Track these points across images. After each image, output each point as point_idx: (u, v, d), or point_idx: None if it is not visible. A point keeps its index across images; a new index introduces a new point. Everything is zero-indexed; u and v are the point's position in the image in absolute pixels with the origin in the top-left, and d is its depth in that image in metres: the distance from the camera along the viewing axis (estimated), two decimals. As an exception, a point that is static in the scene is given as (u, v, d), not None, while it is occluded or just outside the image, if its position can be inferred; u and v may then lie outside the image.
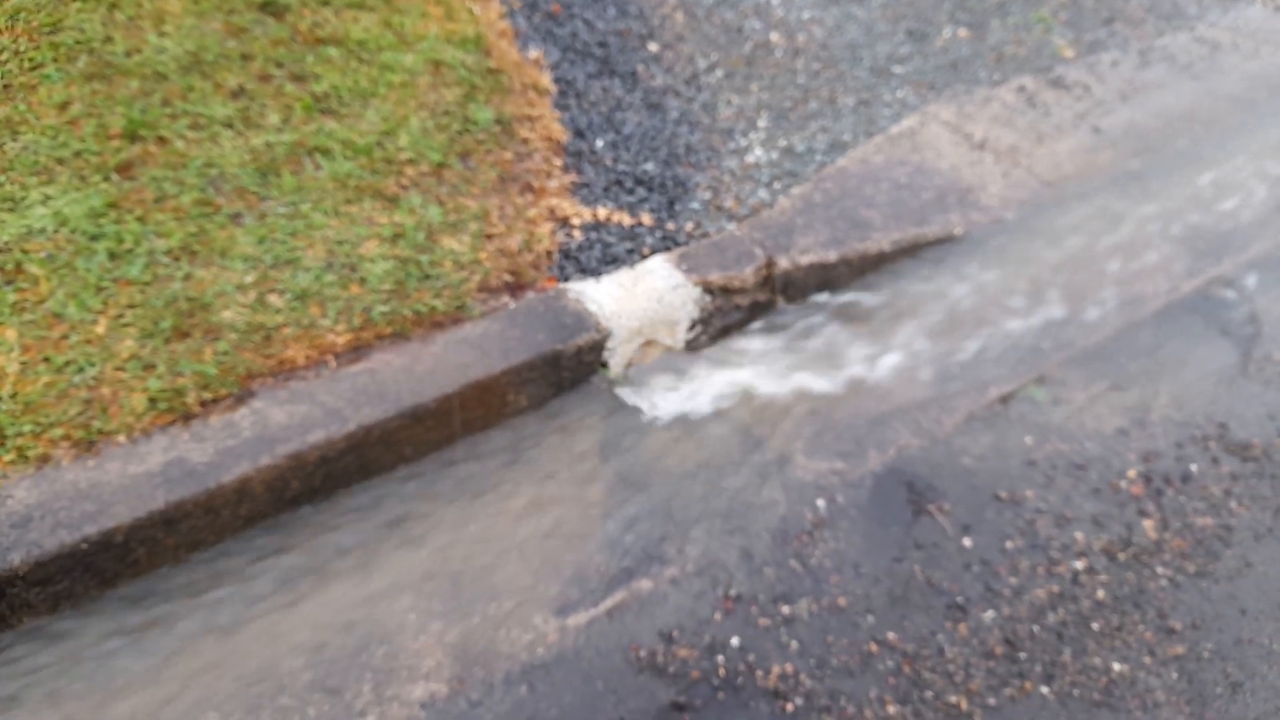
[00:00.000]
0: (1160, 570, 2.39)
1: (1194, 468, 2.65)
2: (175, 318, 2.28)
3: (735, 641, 2.14)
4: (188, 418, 2.16)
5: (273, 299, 2.38)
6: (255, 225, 2.50)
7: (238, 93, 2.78)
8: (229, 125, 2.70)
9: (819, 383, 2.76)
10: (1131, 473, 2.61)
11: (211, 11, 2.97)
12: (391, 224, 2.60)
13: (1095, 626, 2.26)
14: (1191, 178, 3.68)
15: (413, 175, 2.74)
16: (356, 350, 2.37)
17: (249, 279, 2.39)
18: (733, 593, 2.23)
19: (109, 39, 2.80)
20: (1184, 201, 3.57)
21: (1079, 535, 2.44)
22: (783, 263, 2.87)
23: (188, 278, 2.36)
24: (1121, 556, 2.41)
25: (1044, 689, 2.13)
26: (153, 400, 2.15)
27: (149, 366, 2.20)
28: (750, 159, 3.28)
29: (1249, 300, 3.22)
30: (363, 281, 2.46)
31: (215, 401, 2.20)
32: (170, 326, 2.27)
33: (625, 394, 2.63)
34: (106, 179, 2.50)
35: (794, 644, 2.15)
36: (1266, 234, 3.50)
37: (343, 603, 2.10)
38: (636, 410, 2.60)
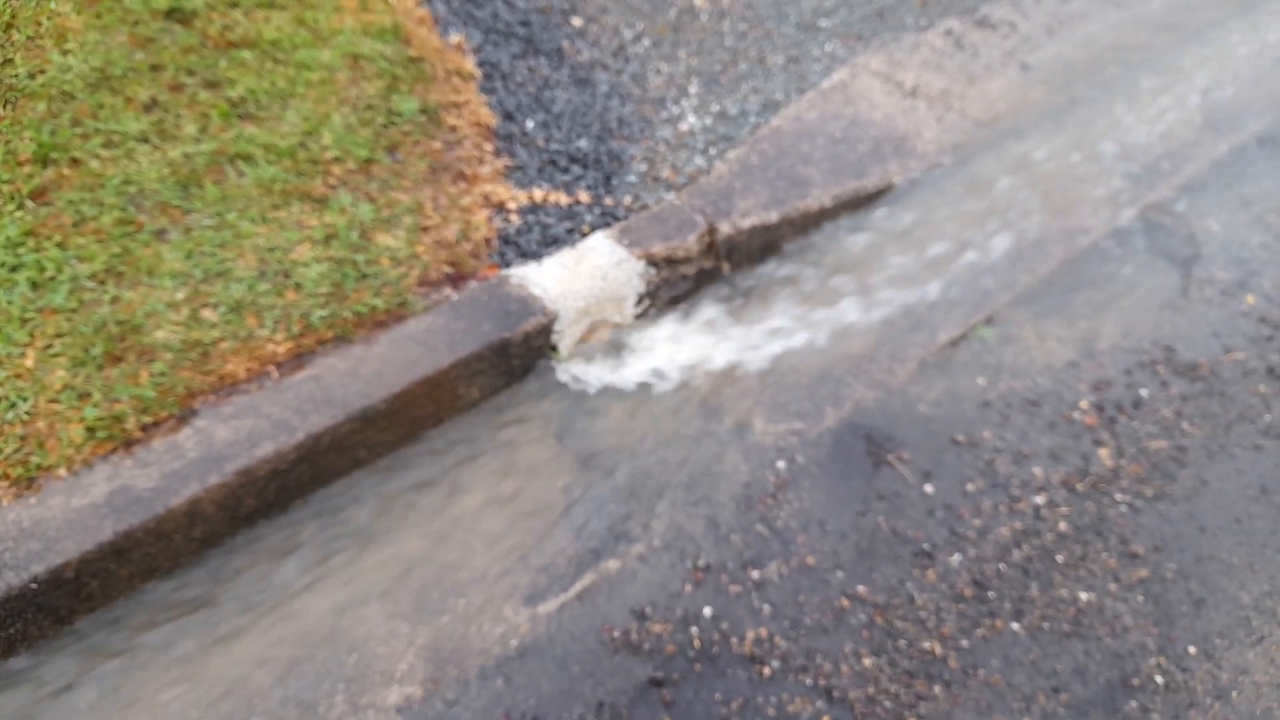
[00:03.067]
0: (1119, 497, 2.43)
1: (1144, 393, 2.69)
2: (106, 343, 2.22)
3: (708, 611, 2.14)
4: (129, 444, 2.11)
5: (206, 314, 2.32)
6: (181, 240, 2.44)
7: (150, 105, 2.70)
8: (144, 140, 2.62)
9: (771, 345, 2.75)
10: (1084, 404, 2.64)
11: (115, 24, 2.87)
12: (322, 225, 2.54)
13: (1060, 559, 2.29)
14: (1122, 106, 3.71)
15: (340, 174, 2.68)
16: (299, 358, 2.32)
17: (180, 296, 2.33)
18: (701, 563, 2.23)
19: (9, 61, 2.69)
20: (1116, 130, 3.60)
21: (1037, 470, 2.47)
22: (725, 228, 2.86)
23: (115, 300, 2.30)
24: (1080, 487, 2.44)
25: (1014, 625, 2.16)
26: (91, 430, 2.09)
27: (84, 395, 2.14)
28: (684, 126, 3.25)
29: (1186, 223, 3.26)
30: (298, 287, 2.41)
31: (156, 424, 2.15)
32: (102, 352, 2.20)
33: (578, 375, 2.60)
34: (20, 207, 2.41)
35: (766, 608, 2.16)
36: (1198, 155, 3.54)
37: (308, 616, 2.07)
38: (590, 390, 2.58)
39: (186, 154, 2.59)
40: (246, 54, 2.89)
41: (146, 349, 2.24)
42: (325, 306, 2.39)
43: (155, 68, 2.78)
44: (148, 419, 2.14)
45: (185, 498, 2.04)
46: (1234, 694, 2.08)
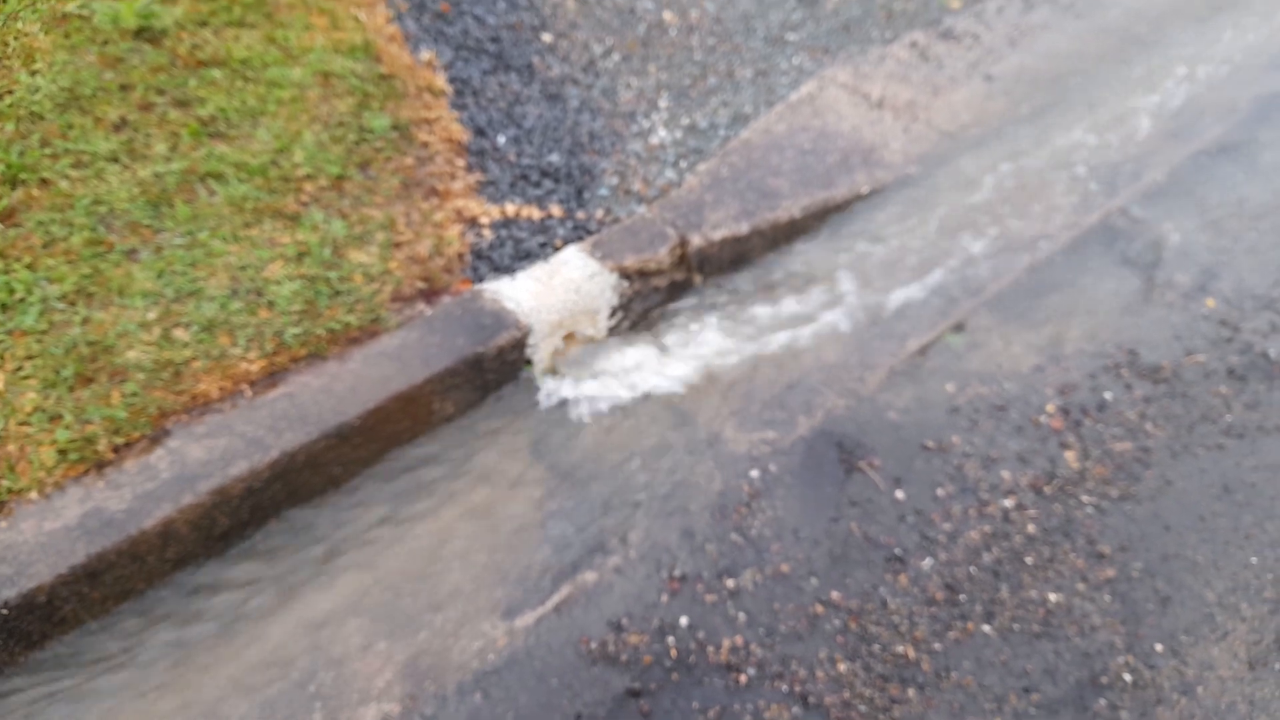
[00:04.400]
0: (1085, 498, 2.47)
1: (1109, 395, 2.74)
2: (77, 364, 2.21)
3: (684, 621, 2.16)
4: (101, 466, 2.10)
5: (178, 333, 2.32)
6: (152, 259, 2.43)
7: (120, 125, 2.69)
8: (114, 160, 2.61)
9: (743, 355, 2.78)
10: (1050, 407, 2.69)
11: (84, 44, 2.86)
12: (295, 243, 2.55)
13: (1029, 560, 2.33)
14: (1083, 115, 3.79)
15: (312, 191, 2.69)
16: (272, 376, 2.32)
17: (151, 315, 2.33)
18: (677, 573, 2.25)
19: (-25, 82, 2.68)
20: (1078, 138, 3.67)
21: (1006, 474, 2.51)
22: (696, 240, 2.89)
23: (86, 321, 2.29)
24: (1048, 489, 2.48)
25: (986, 627, 2.20)
26: (62, 452, 2.08)
27: (55, 417, 2.13)
28: (655, 140, 3.29)
29: (1147, 229, 3.33)
30: (271, 305, 2.41)
31: (129, 445, 2.14)
32: (73, 374, 2.19)
33: (552, 388, 2.62)
34: (-12, 229, 2.40)
35: (742, 616, 2.18)
36: (1157, 162, 3.62)
37: (285, 634, 2.06)
38: (565, 403, 2.60)
39: (157, 173, 2.59)
40: (217, 73, 2.89)
41: (118, 369, 2.23)
42: (298, 324, 2.39)
43: (125, 87, 2.78)
44: (120, 440, 2.13)
45: (158, 519, 2.04)
46: (1200, 689, 2.13)
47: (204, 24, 3.02)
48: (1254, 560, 2.38)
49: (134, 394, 2.20)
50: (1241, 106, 4.01)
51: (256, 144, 2.73)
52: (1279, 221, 3.46)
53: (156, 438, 2.17)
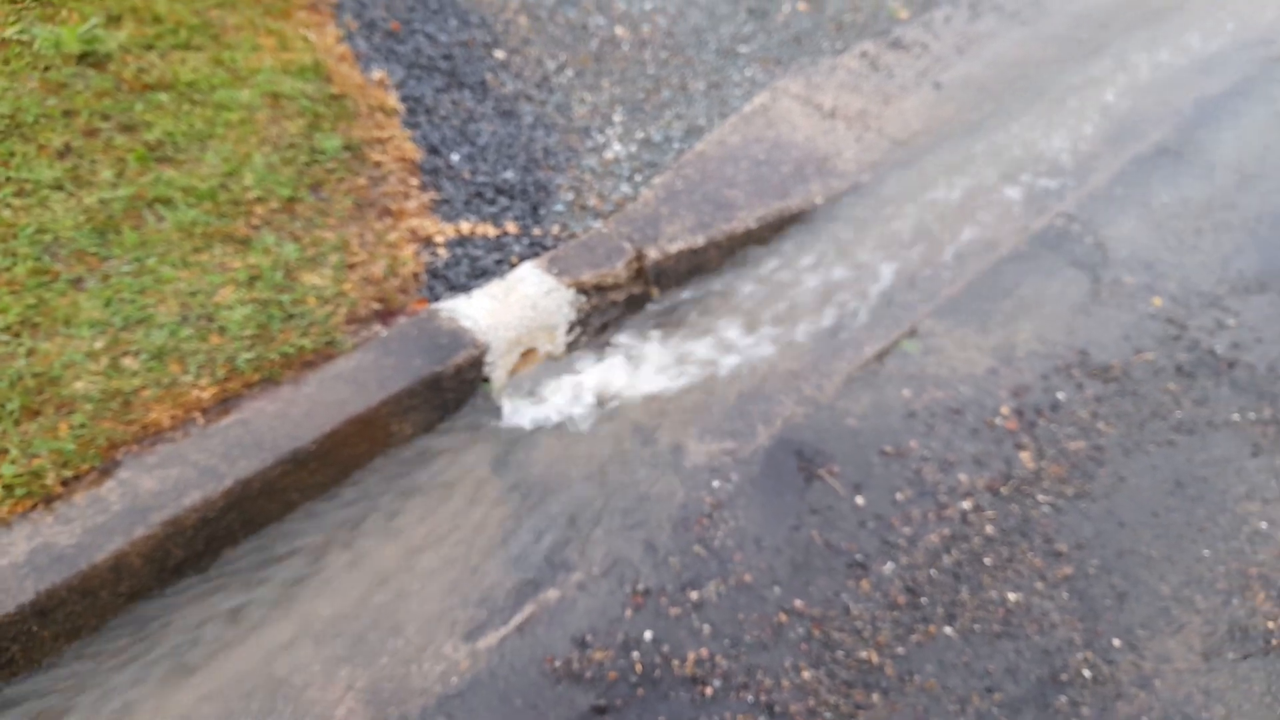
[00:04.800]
0: (1041, 498, 2.51)
1: (1061, 395, 2.79)
2: (23, 396, 2.17)
3: (648, 635, 2.16)
4: (50, 500, 2.06)
5: (127, 362, 2.28)
6: (99, 288, 2.39)
7: (64, 152, 2.65)
8: (58, 187, 2.57)
9: (703, 367, 2.80)
10: (1005, 409, 2.73)
11: (25, 70, 2.82)
12: (246, 267, 2.52)
13: (988, 561, 2.36)
14: (1029, 120, 3.86)
15: (263, 214, 2.66)
16: (225, 402, 2.29)
17: (99, 345, 2.29)
18: (641, 587, 2.25)
19: (-88, 112, 2.63)
20: (1025, 143, 3.74)
21: (963, 477, 2.54)
22: (652, 253, 2.90)
23: (31, 353, 2.24)
24: (1004, 490, 2.52)
25: (947, 629, 2.22)
26: (8, 487, 2.04)
27: (0, 452, 2.08)
28: (609, 154, 3.30)
29: (1094, 231, 3.40)
30: (222, 330, 2.38)
31: (78, 478, 2.10)
32: (19, 406, 2.15)
33: (512, 406, 2.61)
34: (-72, 261, 2.35)
35: (706, 628, 2.18)
36: (1102, 165, 3.70)
37: (243, 666, 2.03)
38: (524, 421, 2.59)
39: (103, 200, 2.56)
40: (163, 96, 2.86)
41: (65, 401, 2.19)
42: (251, 349, 2.37)
43: (68, 113, 2.74)
44: (68, 473, 2.09)
45: (110, 552, 2.00)
46: (1157, 682, 2.16)
47: (150, 47, 2.99)
48: (1207, 553, 2.43)
49: (82, 425, 2.16)
50: (1182, 109, 4.11)
51: (205, 168, 2.71)
52: (1221, 220, 3.55)
53: (107, 469, 2.13)
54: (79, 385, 2.21)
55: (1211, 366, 2.94)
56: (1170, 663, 2.20)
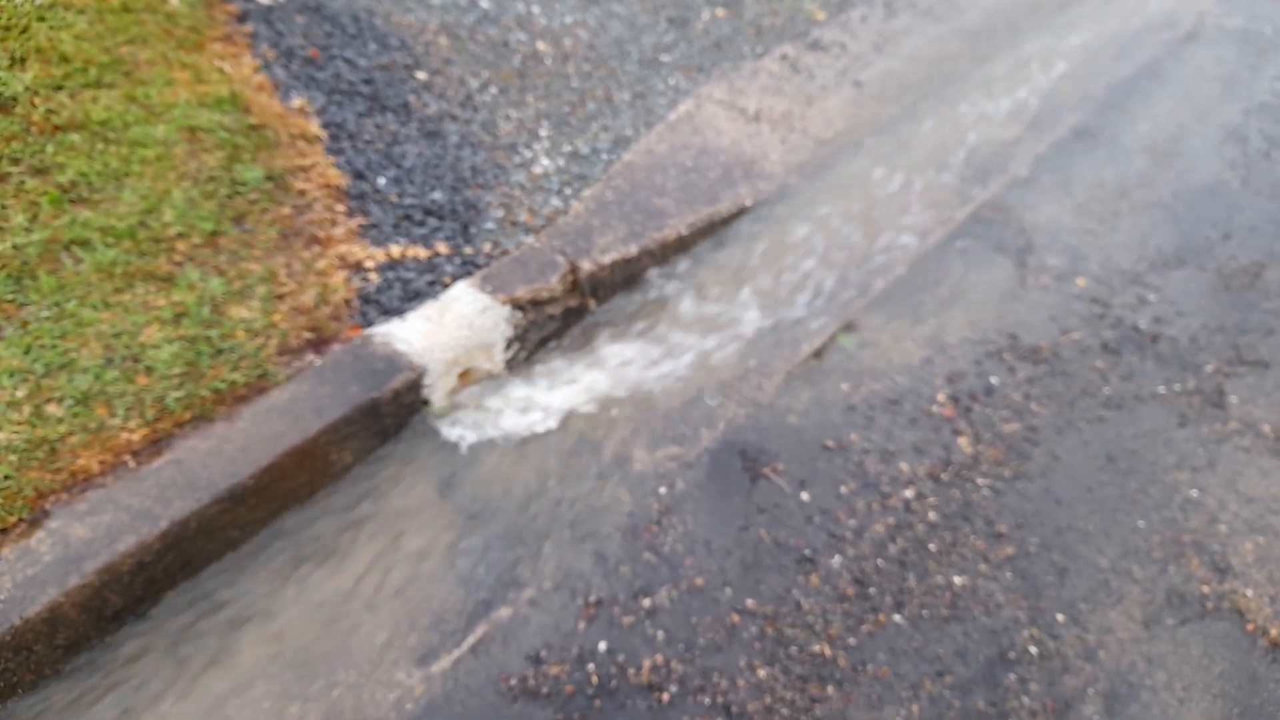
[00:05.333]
0: (981, 481, 2.56)
1: (994, 380, 2.85)
2: (-58, 452, 2.10)
3: (603, 646, 2.16)
4: (-23, 556, 1.99)
5: (51, 409, 2.22)
6: (18, 335, 2.33)
7: (-27, 198, 2.58)
8: (-31, 234, 2.50)
9: (644, 374, 2.81)
10: (941, 396, 2.78)
11: (-73, 116, 2.74)
12: (171, 304, 2.48)
13: (932, 547, 2.40)
14: (949, 113, 3.95)
15: (185, 249, 2.62)
16: (156, 443, 2.25)
17: (20, 393, 2.23)
18: (592, 599, 2.25)
19: None
20: (946, 136, 3.82)
21: (904, 466, 2.58)
22: (586, 265, 2.91)
23: (-51, 406, 2.18)
24: (944, 476, 2.56)
25: (897, 617, 2.25)
26: (-68, 546, 1.97)
27: (-79, 511, 2.02)
28: (538, 169, 3.30)
29: (1017, 217, 3.49)
30: (149, 370, 2.34)
31: (5, 531, 2.04)
32: (-62, 463, 2.08)
33: (453, 426, 2.60)
34: None
35: (660, 634, 2.19)
36: (1022, 152, 3.79)
37: (193, 710, 1.99)
38: (467, 440, 2.57)
39: (16, 245, 2.49)
40: (75, 136, 2.79)
41: (-12, 453, 2.13)
42: (180, 387, 2.32)
43: (-24, 159, 2.67)
44: (-5, 527, 2.03)
45: (44, 604, 1.94)
46: (1101, 653, 2.22)
47: (58, 88, 2.92)
48: (1141, 524, 2.50)
49: (7, 477, 2.10)
50: (1096, 94, 4.24)
51: (123, 206, 2.65)
52: (1139, 200, 3.66)
53: (36, 520, 2.08)
54: (1, 436, 2.15)
55: (1136, 342, 3.03)
56: (1113, 633, 2.26)
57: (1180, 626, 2.28)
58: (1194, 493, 2.59)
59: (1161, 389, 2.88)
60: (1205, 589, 2.36)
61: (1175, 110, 4.23)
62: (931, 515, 2.47)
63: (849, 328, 2.99)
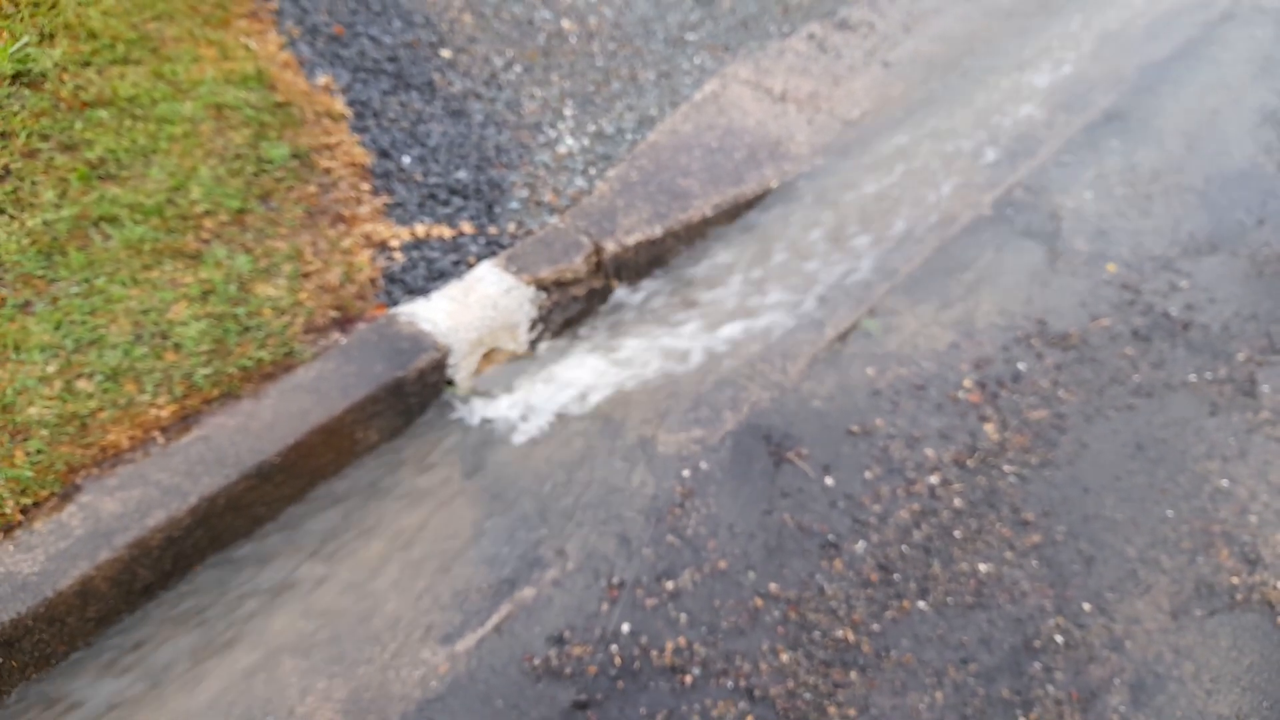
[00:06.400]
0: (1007, 468, 2.54)
1: (1022, 366, 2.82)
2: (-25, 426, 2.12)
3: (626, 628, 2.16)
4: (9, 529, 2.02)
5: (82, 384, 2.24)
6: (48, 311, 2.35)
7: (3, 175, 2.59)
8: (0, 211, 2.51)
9: (668, 357, 2.80)
10: (967, 382, 2.76)
11: (-43, 92, 2.75)
12: (198, 281, 2.49)
13: (958, 534, 2.38)
14: (978, 94, 3.89)
15: (212, 227, 2.62)
16: (184, 420, 2.26)
17: (51, 369, 2.24)
18: (616, 580, 2.25)
19: None
20: (974, 118, 3.77)
21: (929, 452, 2.57)
22: (610, 246, 2.89)
23: (-19, 381, 2.20)
24: (970, 463, 2.55)
25: (921, 604, 2.24)
26: (-35, 519, 2.00)
27: (-46, 484, 2.04)
28: (562, 149, 3.28)
29: (1047, 201, 3.44)
30: (177, 347, 2.35)
31: (38, 505, 2.06)
32: (-29, 437, 2.11)
33: (477, 407, 2.60)
34: None
35: (683, 617, 2.19)
36: (1052, 135, 3.74)
37: (219, 684, 2.01)
38: (491, 420, 2.58)
39: (47, 221, 2.50)
40: (103, 113, 2.80)
41: (20, 428, 2.15)
42: (208, 364, 2.33)
43: (5, 135, 2.68)
44: (27, 500, 2.05)
45: (75, 578, 1.96)
46: (1128, 643, 2.20)
47: (86, 64, 2.93)
48: (1170, 514, 2.48)
49: (39, 451, 2.12)
50: (1127, 76, 4.16)
51: (150, 183, 2.66)
52: (1170, 184, 3.61)
53: (67, 494, 2.10)
54: (33, 411, 2.17)
55: (1167, 329, 2.98)
56: (1140, 623, 2.24)
57: (1209, 618, 2.26)
58: (1224, 482, 2.55)
59: (1192, 377, 2.84)
60: (1235, 580, 2.33)
61: (1209, 93, 4.15)
62: (957, 502, 2.45)
63: (874, 312, 2.96)
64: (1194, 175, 3.66)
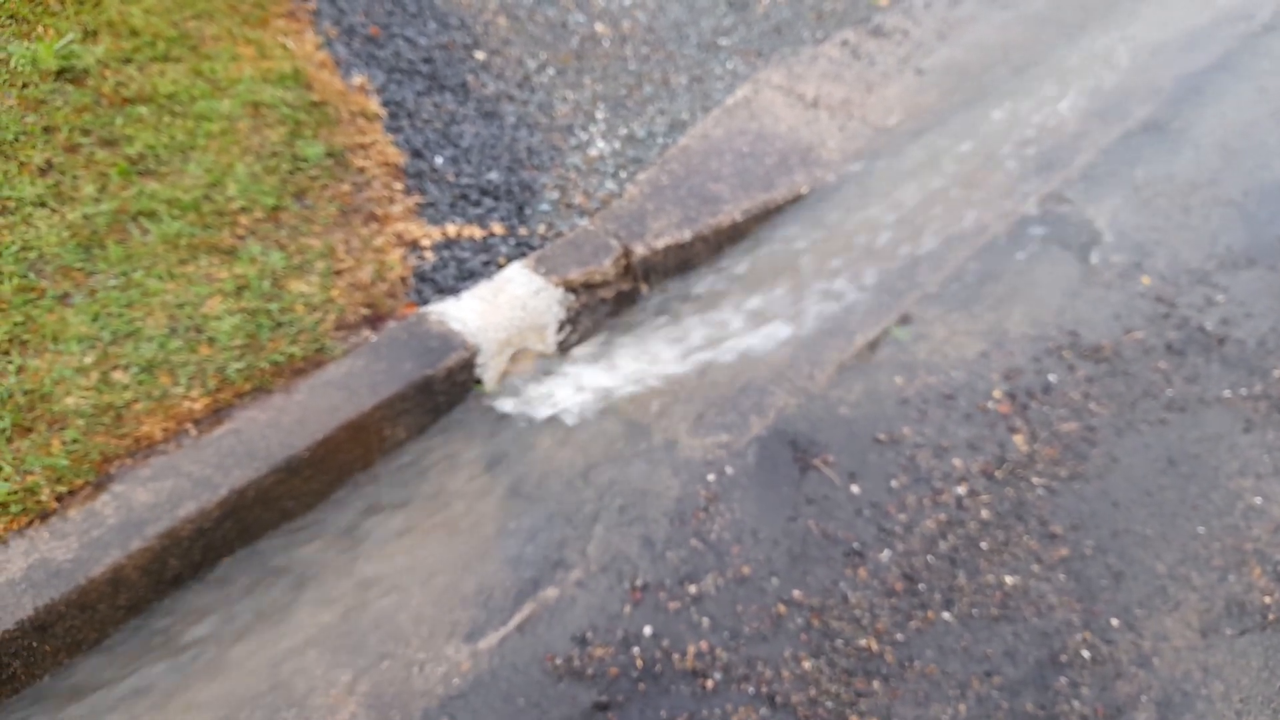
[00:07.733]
0: (1036, 480, 2.52)
1: (1053, 377, 2.79)
2: (14, 414, 2.16)
3: (648, 630, 2.16)
4: (45, 516, 2.06)
5: (117, 376, 2.27)
6: (86, 303, 2.39)
7: (45, 168, 2.64)
8: (41, 204, 2.56)
9: (694, 360, 2.80)
10: (997, 392, 2.74)
11: (3, 88, 2.81)
12: (233, 277, 2.52)
13: (984, 545, 2.36)
14: (1013, 103, 3.86)
15: (248, 223, 2.66)
16: (217, 413, 2.29)
17: (88, 360, 2.28)
18: (639, 583, 2.25)
19: (-108, 133, 2.62)
20: (1009, 126, 3.74)
21: (957, 461, 2.55)
22: (640, 249, 2.90)
23: (21, 370, 2.24)
24: (999, 474, 2.52)
25: (946, 615, 2.23)
26: (4, 505, 2.03)
27: (-7, 471, 2.08)
28: (593, 152, 3.29)
29: (1082, 211, 3.40)
30: (211, 341, 2.38)
31: (72, 493, 2.10)
32: (10, 424, 2.14)
33: (505, 407, 2.61)
34: (-87, 281, 2.34)
35: (705, 621, 2.19)
36: (1087, 145, 3.70)
37: (244, 675, 2.03)
38: (518, 421, 2.59)
39: (86, 215, 2.55)
40: (143, 109, 2.85)
41: (57, 417, 2.19)
42: (241, 359, 2.36)
43: (49, 129, 2.73)
44: (63, 488, 2.09)
45: (107, 566, 2.00)
46: (1156, 661, 2.17)
47: (128, 61, 2.98)
48: (1201, 530, 2.44)
49: (75, 441, 2.15)
50: (1164, 86, 4.11)
51: (188, 179, 2.70)
52: (1208, 196, 3.56)
53: (101, 484, 2.13)
54: (70, 400, 2.21)
55: (1202, 343, 2.94)
56: (1168, 640, 2.21)
57: (1239, 637, 2.22)
58: (1258, 500, 2.52)
59: (1227, 392, 2.80)
60: (1267, 599, 2.30)
61: (1248, 105, 4.09)
62: (984, 513, 2.43)
63: (904, 320, 2.95)
64: (1231, 187, 3.61)
